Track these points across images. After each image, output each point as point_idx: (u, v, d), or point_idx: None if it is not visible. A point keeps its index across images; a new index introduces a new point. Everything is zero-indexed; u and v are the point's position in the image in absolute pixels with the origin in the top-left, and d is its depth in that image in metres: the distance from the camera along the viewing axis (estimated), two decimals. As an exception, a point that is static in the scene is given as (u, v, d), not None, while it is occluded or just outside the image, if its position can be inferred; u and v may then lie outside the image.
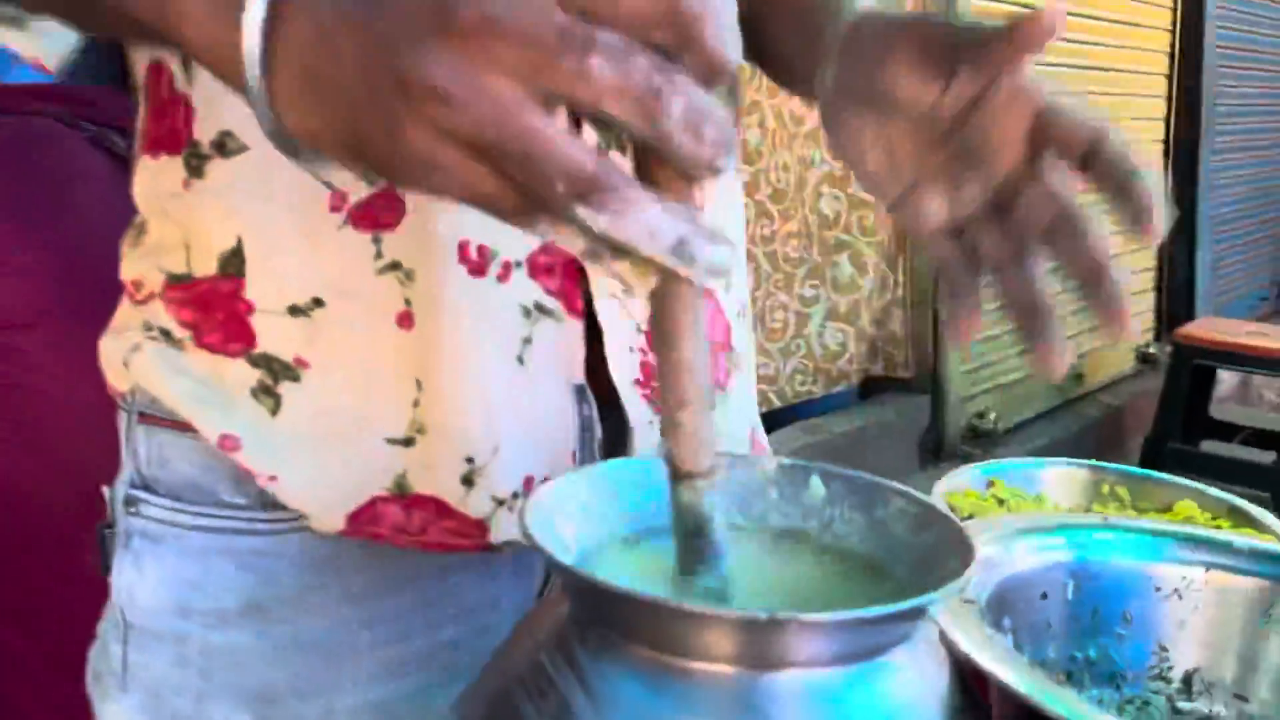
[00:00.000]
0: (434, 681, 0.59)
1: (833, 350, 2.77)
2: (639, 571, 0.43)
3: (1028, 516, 0.53)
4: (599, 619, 0.36)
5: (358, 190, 0.52)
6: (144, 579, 0.57)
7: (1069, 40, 3.41)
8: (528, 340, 0.55)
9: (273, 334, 0.54)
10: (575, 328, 0.56)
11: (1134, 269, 4.01)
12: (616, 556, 0.43)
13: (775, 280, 2.65)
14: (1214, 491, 0.68)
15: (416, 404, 0.54)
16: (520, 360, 0.55)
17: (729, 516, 0.46)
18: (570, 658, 0.36)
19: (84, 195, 0.96)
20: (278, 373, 0.54)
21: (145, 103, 0.57)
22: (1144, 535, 0.51)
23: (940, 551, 0.40)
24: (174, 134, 0.55)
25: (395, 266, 0.53)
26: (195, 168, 0.54)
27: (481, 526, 0.56)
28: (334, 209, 0.53)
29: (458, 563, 0.59)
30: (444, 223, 0.52)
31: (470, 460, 0.55)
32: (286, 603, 0.56)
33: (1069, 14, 3.35)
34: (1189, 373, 3.25)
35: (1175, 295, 4.30)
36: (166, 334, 0.56)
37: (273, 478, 0.54)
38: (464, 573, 0.60)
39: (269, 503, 0.55)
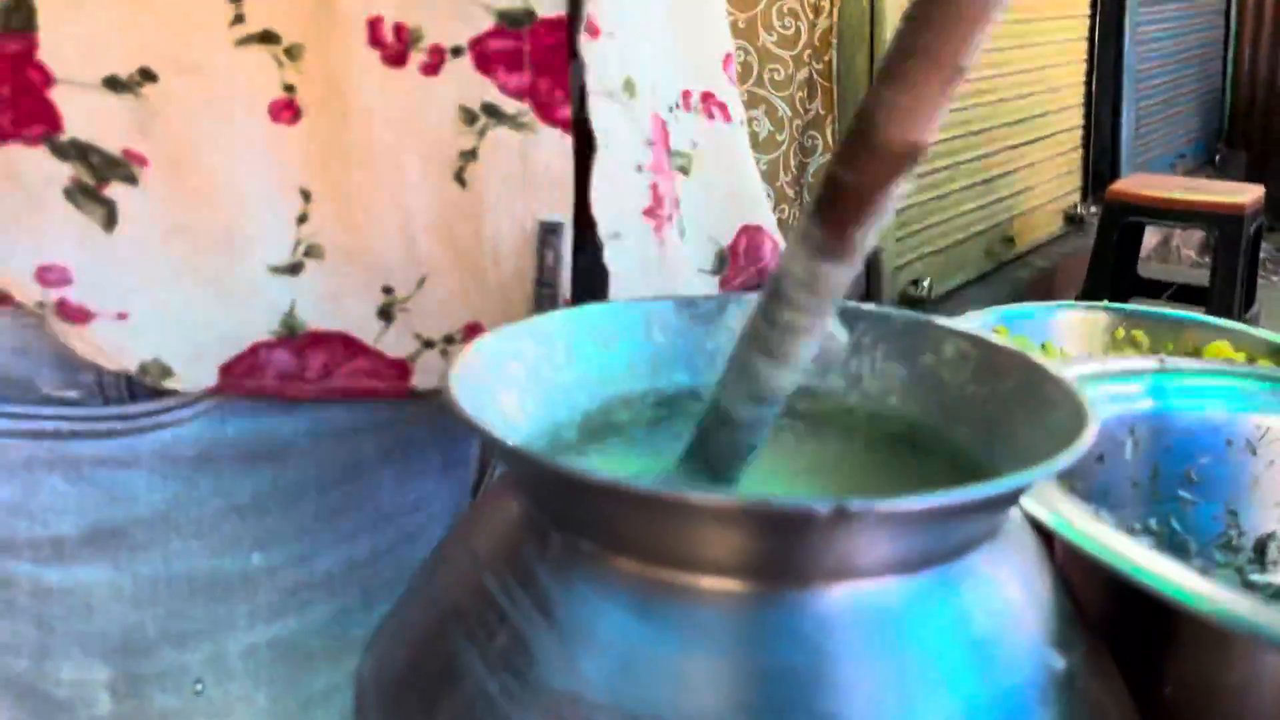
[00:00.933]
0: (349, 608, 0.47)
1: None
2: (609, 459, 0.32)
3: (1082, 361, 0.43)
4: (566, 523, 0.25)
5: None
6: None
7: None
8: (469, 154, 0.42)
9: (84, 115, 0.40)
10: (555, 140, 0.42)
11: (1060, 129, 3.96)
12: (578, 440, 0.32)
13: None
14: (1250, 329, 0.59)
15: (304, 219, 0.42)
16: (459, 179, 0.42)
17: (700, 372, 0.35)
18: (526, 577, 0.26)
19: None
20: (100, 169, 0.40)
21: None
22: (1238, 378, 0.41)
23: (1017, 408, 0.29)
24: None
25: (269, 39, 0.40)
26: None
27: (403, 368, 0.44)
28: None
29: (370, 457, 0.47)
30: None
31: (389, 291, 0.43)
32: (148, 524, 0.43)
33: None
34: (1119, 230, 3.22)
35: (1100, 155, 4.27)
36: None
37: (122, 314, 0.41)
38: (378, 468, 0.47)
39: (111, 392, 0.42)
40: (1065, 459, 0.24)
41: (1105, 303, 0.63)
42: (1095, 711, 0.25)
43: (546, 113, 0.41)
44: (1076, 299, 3.26)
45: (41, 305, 0.40)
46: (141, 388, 0.42)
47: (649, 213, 0.46)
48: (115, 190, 0.40)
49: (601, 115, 0.43)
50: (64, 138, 0.39)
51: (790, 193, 2.72)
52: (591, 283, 0.45)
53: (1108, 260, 3.25)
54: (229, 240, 0.41)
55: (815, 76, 2.68)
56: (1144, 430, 0.43)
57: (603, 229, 0.44)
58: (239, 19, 0.39)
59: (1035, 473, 0.24)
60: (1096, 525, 0.30)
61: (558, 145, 0.42)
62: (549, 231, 0.42)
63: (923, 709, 0.23)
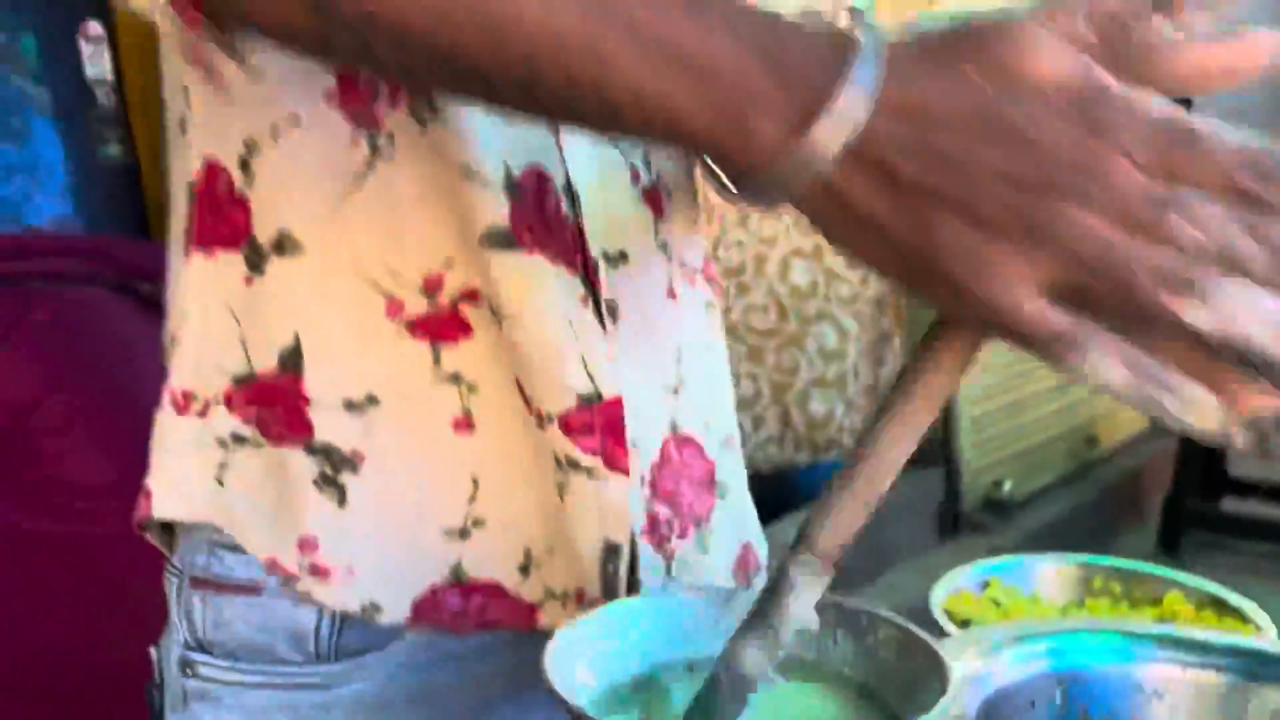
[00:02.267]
0: None
1: (818, 419, 2.81)
2: (650, 712, 0.47)
3: (1013, 626, 0.56)
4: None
5: (416, 302, 0.57)
6: None
7: None
8: (562, 485, 0.59)
9: (330, 426, 0.58)
10: (619, 484, 0.59)
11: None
12: (630, 696, 0.47)
13: (739, 351, 2.71)
14: (1198, 583, 0.71)
15: (473, 500, 0.59)
16: (560, 498, 0.59)
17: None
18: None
19: (142, 357, 1.02)
20: (337, 464, 0.58)
21: (192, 204, 0.59)
22: (1124, 637, 0.54)
23: (924, 676, 0.44)
24: (233, 232, 0.58)
25: (456, 379, 0.58)
26: (255, 264, 0.58)
27: (533, 611, 0.60)
28: (390, 315, 0.57)
29: (497, 696, 0.63)
30: (511, 348, 0.57)
31: (528, 554, 0.60)
32: None
33: None
34: (1202, 431, 3.26)
35: (1183, 353, 4.32)
36: (238, 439, 0.59)
37: (350, 570, 0.58)
38: (502, 708, 0.64)
39: (324, 656, 0.59)
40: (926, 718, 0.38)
41: (1084, 556, 0.76)
42: None
43: (611, 463, 0.59)
44: (1165, 499, 3.28)
45: (300, 569, 0.58)
46: (343, 650, 0.60)
47: (646, 531, 0.62)
48: (345, 478, 0.58)
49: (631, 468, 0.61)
50: (315, 442, 0.58)
51: (861, 401, 2.87)
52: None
53: (1195, 460, 3.27)
54: (419, 513, 0.59)
55: (883, 295, 2.88)
56: (1069, 680, 0.55)
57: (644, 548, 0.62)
58: (438, 363, 0.58)
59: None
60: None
61: (620, 488, 0.59)
62: (611, 550, 0.59)
63: None
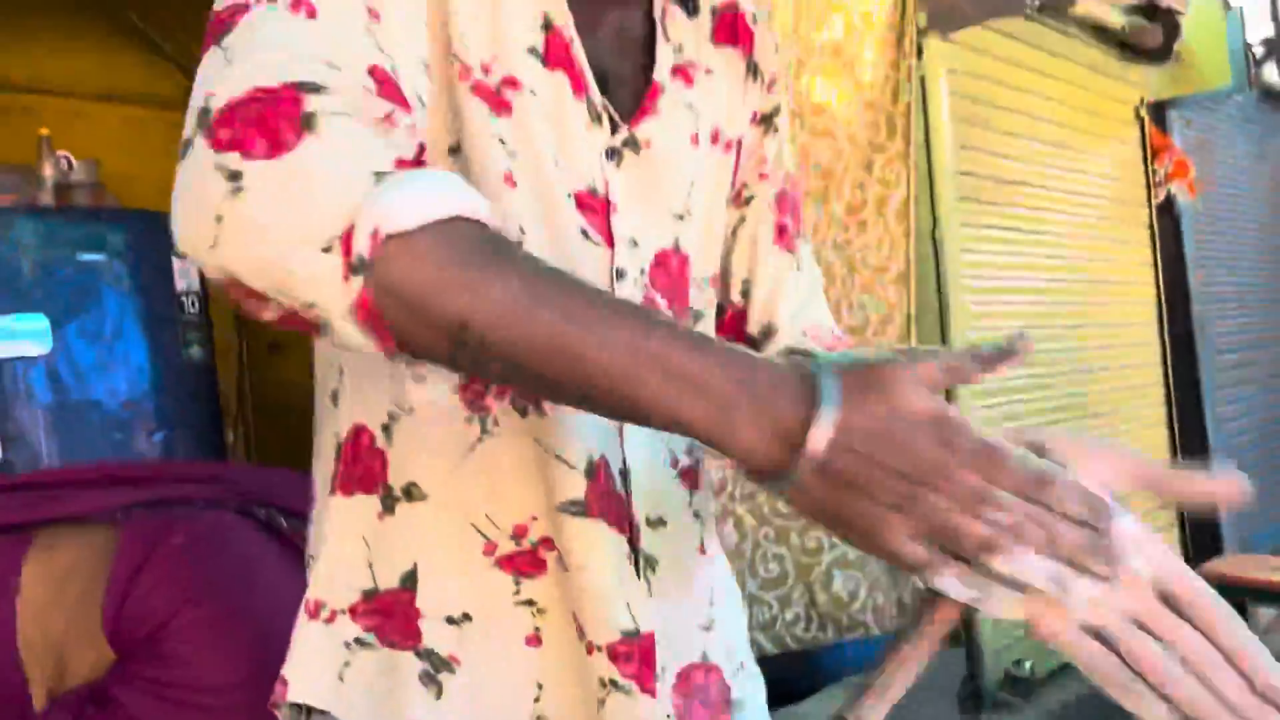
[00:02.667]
0: None
1: (842, 598, 2.92)
2: None
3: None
4: None
5: (506, 544, 0.75)
6: None
7: (1059, 302, 3.73)
8: (602, 701, 0.75)
9: (434, 635, 0.75)
10: (649, 703, 0.75)
11: (1155, 506, 4.15)
12: None
13: (765, 533, 2.85)
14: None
15: (537, 700, 0.75)
16: (598, 710, 0.75)
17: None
18: None
19: (265, 576, 1.21)
20: (438, 665, 0.74)
21: (337, 457, 0.78)
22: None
23: None
24: (369, 478, 0.76)
25: (531, 603, 0.75)
26: (389, 506, 0.76)
27: None
28: (486, 552, 0.75)
29: None
30: (573, 588, 0.74)
31: None
32: None
33: (1057, 270, 3.69)
34: (1218, 609, 3.32)
35: (1199, 529, 4.41)
36: (361, 642, 0.76)
37: None
38: None
39: None
40: None
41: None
42: None
43: (643, 685, 0.75)
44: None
45: None
46: None
47: None
48: (443, 677, 0.75)
49: (660, 685, 0.77)
50: (422, 647, 0.75)
51: (884, 581, 2.98)
52: None
53: (1215, 637, 3.31)
54: (498, 708, 0.75)
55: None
56: None
57: None
58: (518, 592, 0.75)
59: None
60: None
61: (649, 705, 0.75)
62: None
63: None
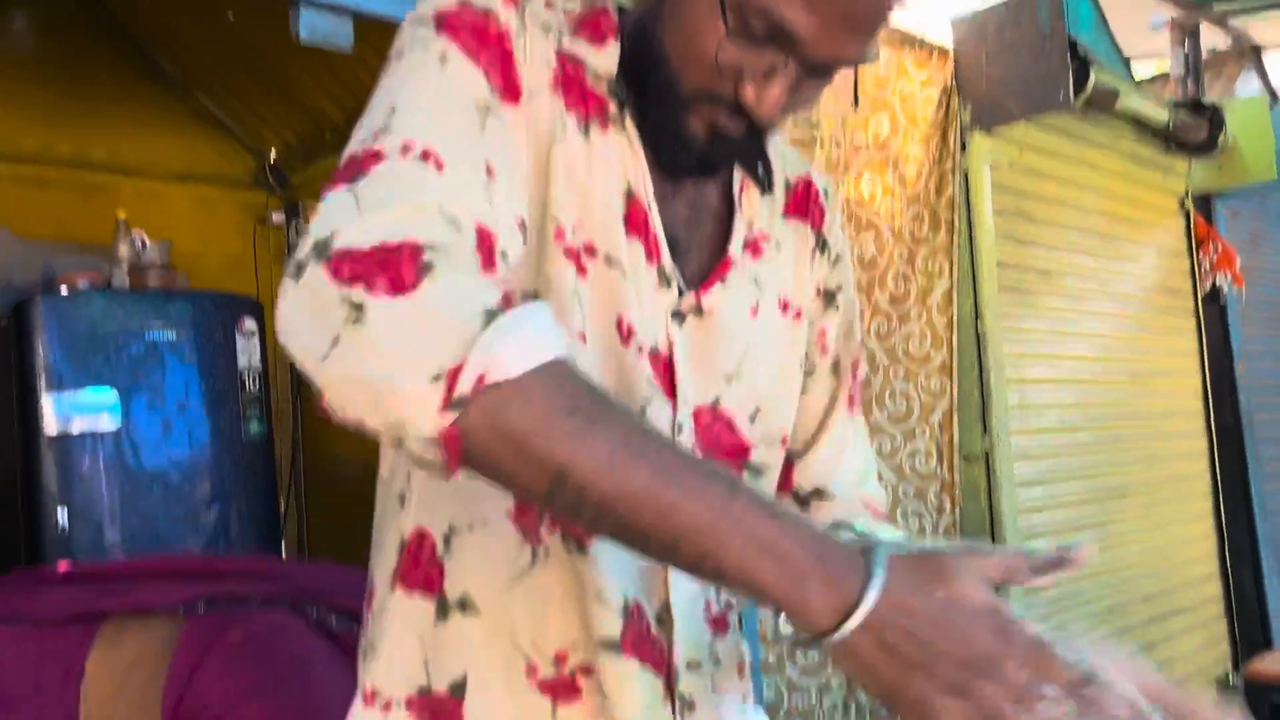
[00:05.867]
0: None
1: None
2: None
3: None
4: None
5: (547, 668, 0.80)
6: None
7: (1103, 392, 3.72)
8: None
9: None
10: None
11: (1199, 600, 4.08)
12: None
13: None
14: None
15: None
16: None
17: None
18: None
19: (315, 674, 1.28)
20: None
21: (401, 553, 0.83)
22: None
23: None
24: (428, 583, 0.81)
25: (553, 688, 0.80)
26: (443, 613, 0.81)
27: None
28: (528, 674, 0.80)
29: None
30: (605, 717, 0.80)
31: None
32: None
33: (1100, 360, 3.69)
34: (1267, 708, 3.27)
35: (1247, 622, 4.33)
36: None
37: None
38: None
39: None
40: None
41: None
42: None
43: None
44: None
45: None
46: None
47: None
48: None
49: None
50: None
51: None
52: None
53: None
54: None
55: (944, 503, 3.04)
56: None
57: None
58: (554, 714, 0.80)
59: None
60: None
61: None
62: None
63: None
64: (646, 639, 0.81)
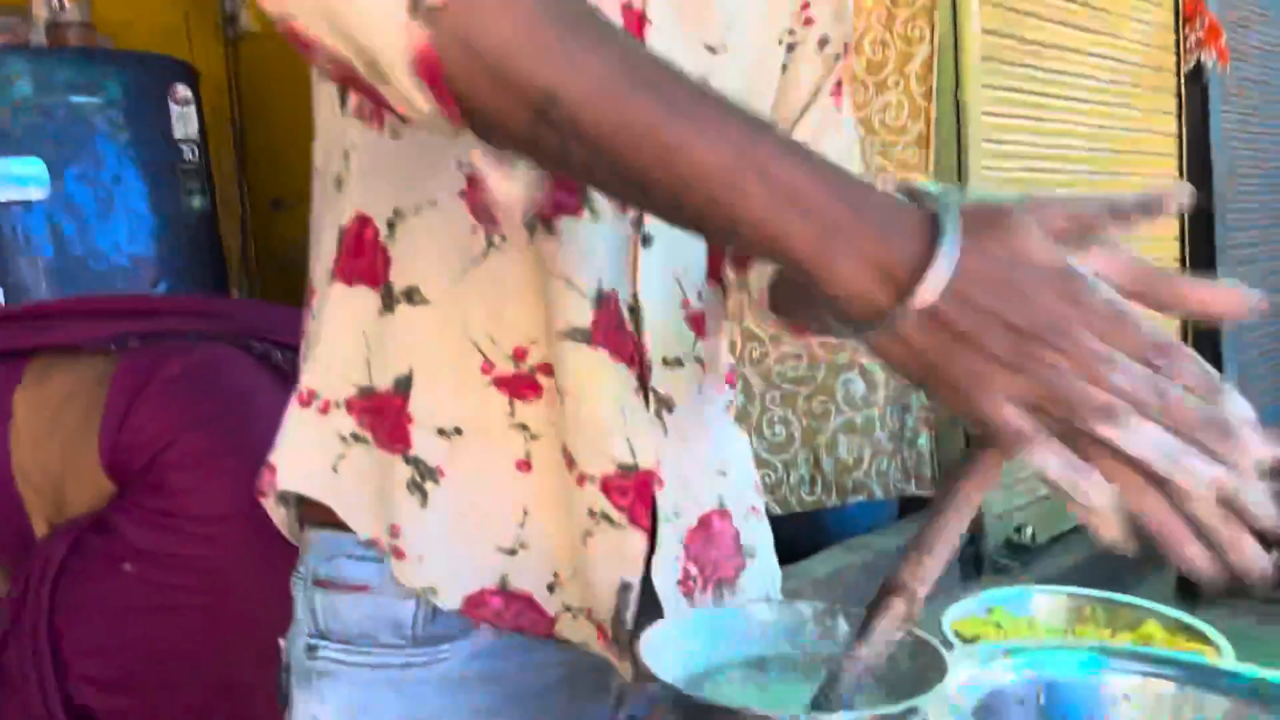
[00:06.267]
0: None
1: (847, 463, 2.94)
2: (715, 690, 0.61)
3: (1004, 642, 0.70)
4: (695, 723, 0.54)
5: (505, 365, 0.72)
6: (324, 706, 0.75)
7: (1079, 170, 3.64)
8: (588, 533, 0.73)
9: (423, 444, 0.73)
10: (638, 539, 0.73)
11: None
12: (704, 684, 0.62)
13: (772, 397, 2.85)
14: (1171, 612, 0.84)
15: (522, 526, 0.74)
16: (585, 544, 0.74)
17: (780, 647, 0.64)
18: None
19: (258, 406, 1.19)
20: (424, 473, 0.73)
21: (340, 244, 0.74)
22: (1094, 653, 0.68)
23: (929, 670, 0.57)
24: (372, 273, 0.73)
25: (524, 428, 0.73)
26: (388, 305, 0.73)
27: (551, 621, 0.75)
28: (483, 370, 0.72)
29: (554, 683, 0.78)
30: (566, 417, 0.72)
31: (556, 575, 0.75)
32: (433, 718, 0.74)
33: (1079, 136, 3.59)
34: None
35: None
36: (357, 438, 0.74)
37: (420, 557, 0.73)
38: (559, 691, 0.78)
39: (418, 640, 0.74)
40: (927, 696, 0.52)
41: (1074, 588, 0.89)
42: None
43: (635, 520, 0.73)
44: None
45: (387, 548, 0.73)
46: (433, 638, 0.74)
47: (680, 584, 0.77)
48: (429, 486, 0.73)
49: (662, 531, 0.75)
50: (411, 454, 0.73)
51: (888, 446, 3.00)
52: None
53: (1214, 509, 3.35)
54: (481, 527, 0.74)
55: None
56: (1051, 686, 0.69)
57: (660, 592, 0.75)
58: (511, 414, 0.73)
59: (913, 701, 0.52)
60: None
61: (638, 541, 0.73)
62: (624, 586, 0.73)
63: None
64: (618, 330, 0.73)
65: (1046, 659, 0.68)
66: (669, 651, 0.60)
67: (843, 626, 0.63)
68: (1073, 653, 0.68)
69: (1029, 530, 3.27)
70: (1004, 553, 3.22)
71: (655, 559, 0.75)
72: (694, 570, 0.78)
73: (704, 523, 0.80)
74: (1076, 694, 0.69)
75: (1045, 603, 0.90)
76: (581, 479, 0.72)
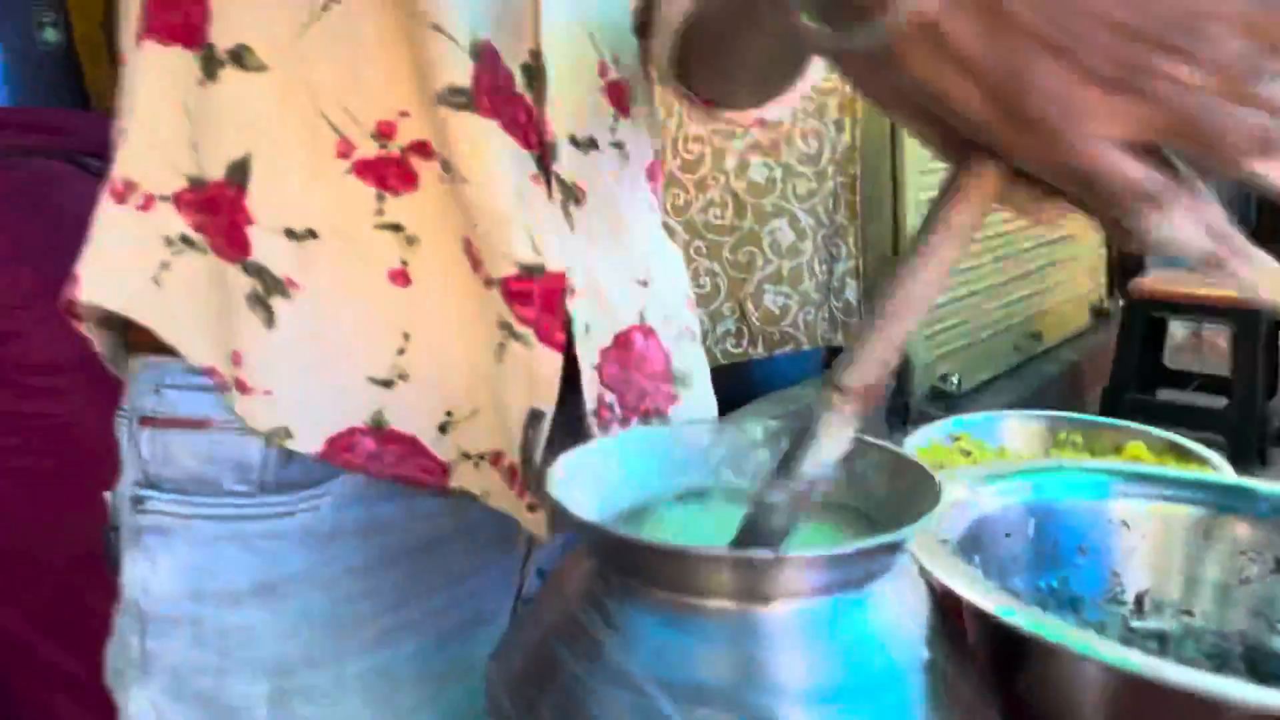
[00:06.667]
0: (428, 643, 0.64)
1: (773, 313, 2.84)
2: (646, 529, 0.48)
3: (992, 464, 0.59)
4: (622, 569, 0.42)
5: (367, 146, 0.57)
6: (157, 570, 0.61)
7: None
8: (500, 347, 0.59)
9: (266, 248, 0.58)
10: (549, 357, 0.59)
11: (1085, 225, 4.10)
12: (623, 524, 0.49)
13: (697, 248, 2.73)
14: (1158, 432, 0.74)
15: (402, 352, 0.59)
16: (499, 360, 0.59)
17: (724, 476, 0.51)
18: (598, 605, 0.42)
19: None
20: (270, 286, 0.58)
21: None
22: (1095, 474, 0.57)
23: (913, 497, 0.45)
24: (189, 29, 0.57)
25: (397, 228, 0.58)
26: (210, 71, 0.57)
27: (444, 469, 0.61)
28: (340, 154, 0.57)
29: (448, 534, 0.64)
30: (462, 203, 0.57)
31: (449, 414, 0.60)
32: (294, 580, 0.61)
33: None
34: (1143, 325, 3.34)
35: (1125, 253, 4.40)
36: (187, 241, 0.59)
37: (268, 391, 0.58)
38: (453, 542, 0.65)
39: (270, 487, 0.60)
40: (917, 526, 0.40)
41: (1048, 411, 0.79)
42: (950, 687, 0.41)
43: (545, 337, 0.59)
44: (1104, 390, 3.38)
45: (230, 380, 0.58)
46: (291, 484, 0.60)
47: (595, 414, 0.64)
48: (276, 302, 0.58)
49: (579, 348, 0.61)
50: (251, 261, 0.58)
51: (816, 296, 2.89)
52: None
53: (1133, 354, 3.36)
54: (346, 354, 0.59)
55: (840, 189, 2.88)
56: (1042, 513, 0.58)
57: (591, 426, 0.62)
58: (380, 212, 0.58)
59: (901, 533, 0.39)
60: (969, 579, 0.46)
61: (550, 361, 0.59)
62: (535, 416, 0.60)
63: (843, 683, 0.39)
64: (508, 96, 0.57)
65: (1045, 483, 0.57)
66: (587, 485, 0.47)
67: (802, 448, 0.51)
68: (1076, 474, 0.56)
69: (955, 378, 3.23)
70: (929, 402, 3.18)
71: (571, 386, 0.61)
72: (610, 398, 0.65)
73: (621, 341, 0.66)
74: (1073, 521, 0.59)
75: (1017, 427, 0.79)
76: (488, 282, 0.58)
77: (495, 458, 0.61)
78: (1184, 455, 0.71)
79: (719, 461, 0.50)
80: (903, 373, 3.09)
